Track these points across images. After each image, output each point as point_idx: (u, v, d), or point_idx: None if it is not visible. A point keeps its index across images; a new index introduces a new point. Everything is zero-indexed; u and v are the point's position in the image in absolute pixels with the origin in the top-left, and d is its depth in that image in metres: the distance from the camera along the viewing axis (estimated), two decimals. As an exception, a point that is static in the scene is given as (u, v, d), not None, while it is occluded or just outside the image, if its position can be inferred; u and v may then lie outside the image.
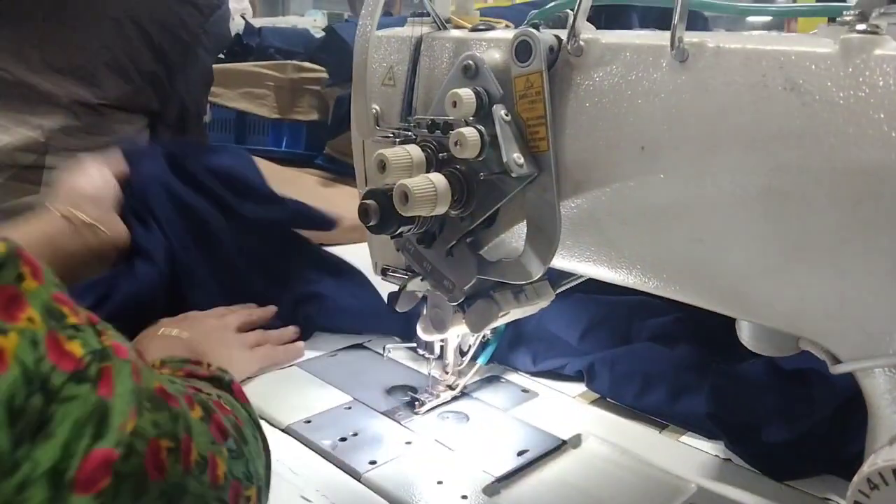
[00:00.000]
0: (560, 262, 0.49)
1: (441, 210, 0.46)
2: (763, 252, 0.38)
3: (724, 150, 0.37)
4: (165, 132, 1.26)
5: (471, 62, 0.46)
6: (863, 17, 0.36)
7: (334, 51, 1.50)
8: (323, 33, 1.72)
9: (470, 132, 0.44)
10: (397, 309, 0.57)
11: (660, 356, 0.66)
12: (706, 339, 0.66)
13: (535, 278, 0.48)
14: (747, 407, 0.57)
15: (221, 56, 1.85)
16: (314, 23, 2.74)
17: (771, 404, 0.56)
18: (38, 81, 1.09)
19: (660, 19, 1.07)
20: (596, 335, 0.70)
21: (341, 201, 1.40)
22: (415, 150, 0.47)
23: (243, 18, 1.86)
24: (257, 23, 2.06)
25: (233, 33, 1.78)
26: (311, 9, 5.01)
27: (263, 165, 1.58)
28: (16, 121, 1.07)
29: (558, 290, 0.57)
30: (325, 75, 1.55)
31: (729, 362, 0.63)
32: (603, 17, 0.96)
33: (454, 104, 0.45)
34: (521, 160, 0.44)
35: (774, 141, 0.36)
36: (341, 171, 1.51)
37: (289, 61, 1.58)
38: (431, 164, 0.48)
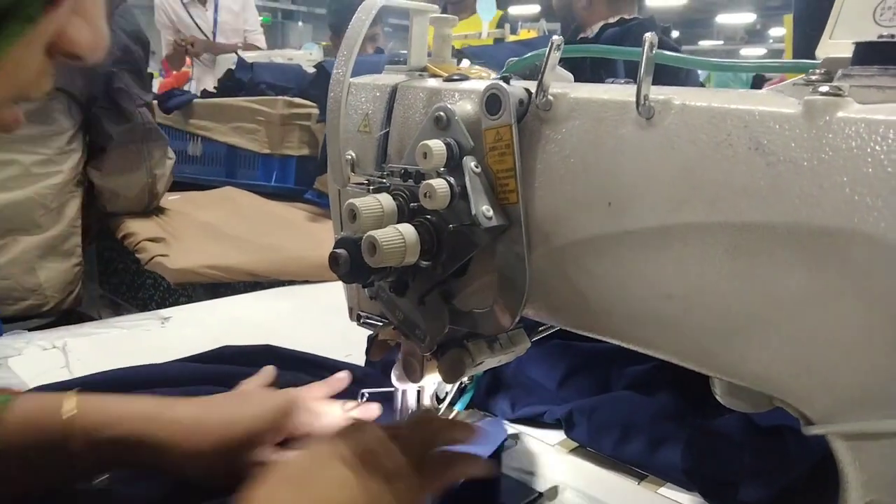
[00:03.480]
0: (531, 312, 0.48)
1: (410, 261, 0.46)
2: (731, 311, 0.37)
3: (691, 208, 0.37)
4: (106, 116, 1.28)
5: (442, 114, 0.45)
6: (827, 77, 0.36)
7: (325, 87, 1.51)
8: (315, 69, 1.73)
9: (439, 184, 0.44)
10: (370, 357, 0.56)
11: (639, 405, 0.65)
12: (685, 387, 0.65)
13: (506, 330, 0.48)
14: (724, 463, 0.56)
15: (214, 90, 1.87)
16: (310, 56, 2.77)
17: (747, 461, 0.55)
18: None
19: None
20: (575, 382, 0.69)
21: (329, 236, 1.40)
22: (386, 200, 0.47)
23: (236, 54, 1.88)
24: (254, 56, 2.08)
25: (225, 69, 1.80)
26: (309, 41, 5.07)
27: (253, 199, 1.60)
28: None
29: (534, 339, 0.57)
30: (315, 111, 1.56)
31: (707, 414, 0.62)
32: (588, 60, 0.96)
33: (424, 156, 0.44)
34: (490, 212, 0.43)
35: (740, 199, 0.35)
36: (330, 206, 1.51)
37: (280, 97, 1.60)
38: (403, 214, 0.47)
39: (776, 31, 13.66)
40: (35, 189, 1.18)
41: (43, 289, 1.19)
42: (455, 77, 0.51)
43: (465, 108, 0.46)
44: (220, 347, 0.76)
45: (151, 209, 1.43)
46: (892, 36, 0.35)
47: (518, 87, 0.44)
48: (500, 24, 2.47)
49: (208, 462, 0.51)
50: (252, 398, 0.55)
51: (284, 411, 0.54)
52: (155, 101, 1.62)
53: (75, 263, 1.27)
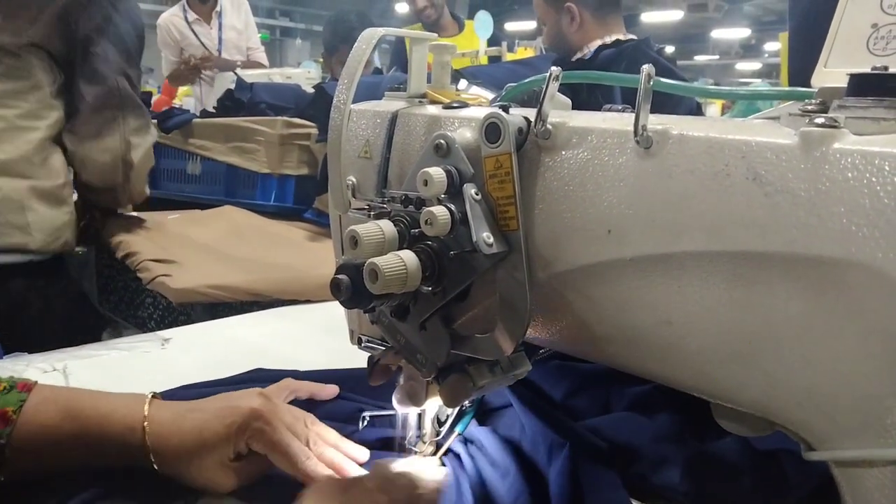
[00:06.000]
0: (533, 337, 0.48)
1: (412, 287, 0.46)
2: (730, 337, 0.38)
3: (689, 236, 0.37)
4: (83, 78, 1.31)
5: (442, 141, 0.46)
6: (823, 107, 0.36)
7: (323, 107, 1.53)
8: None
9: (440, 211, 0.44)
10: (371, 381, 0.56)
11: (640, 426, 0.65)
12: (686, 409, 0.65)
13: (507, 354, 0.48)
14: (723, 486, 0.56)
15: (213, 109, 1.88)
16: (308, 74, 2.79)
17: (747, 484, 0.55)
18: None
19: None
20: (575, 404, 0.69)
21: (328, 255, 1.40)
22: (387, 226, 0.47)
23: (235, 74, 1.89)
24: (253, 75, 2.09)
25: (224, 89, 1.81)
26: (308, 59, 5.09)
27: (253, 218, 1.60)
28: None
29: (535, 359, 0.57)
30: (314, 130, 1.57)
31: (707, 436, 0.62)
32: (585, 84, 0.97)
33: (425, 183, 0.45)
34: (491, 239, 0.44)
35: (738, 229, 0.36)
36: (329, 225, 1.52)
37: (279, 117, 1.61)
38: (404, 239, 0.48)
39: (771, 46, 13.76)
40: (17, 145, 1.23)
41: (30, 228, 1.24)
42: (454, 104, 0.51)
43: (465, 135, 0.46)
44: (255, 370, 0.79)
45: (128, 188, 1.45)
46: (886, 67, 0.35)
47: (517, 116, 0.44)
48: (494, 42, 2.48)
49: (183, 464, 0.56)
50: (223, 406, 0.59)
51: (247, 420, 0.57)
52: (155, 121, 1.63)
53: (66, 212, 1.31)
